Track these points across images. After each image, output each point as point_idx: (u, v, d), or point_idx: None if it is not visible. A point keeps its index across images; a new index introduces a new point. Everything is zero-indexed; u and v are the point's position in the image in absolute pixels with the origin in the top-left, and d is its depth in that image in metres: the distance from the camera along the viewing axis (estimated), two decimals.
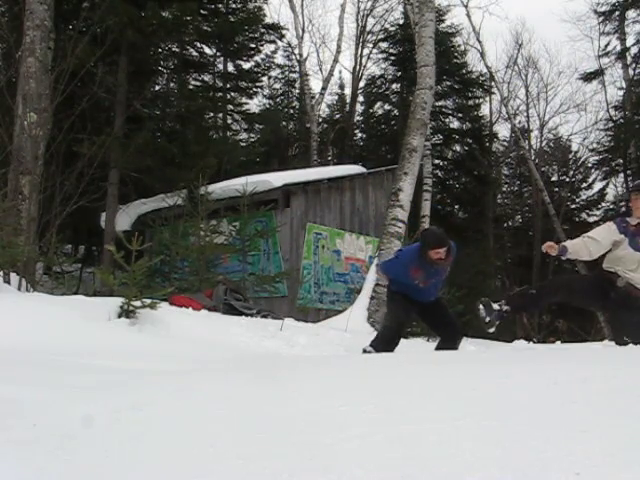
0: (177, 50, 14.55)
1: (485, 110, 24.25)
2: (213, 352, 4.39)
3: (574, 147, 26.48)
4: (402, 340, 7.03)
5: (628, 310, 4.37)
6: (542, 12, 36.72)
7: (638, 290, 4.31)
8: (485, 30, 55.11)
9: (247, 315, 7.33)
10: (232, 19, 15.58)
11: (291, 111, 25.05)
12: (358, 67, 24.34)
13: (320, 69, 26.53)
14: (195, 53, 15.38)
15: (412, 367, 2.78)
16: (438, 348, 4.75)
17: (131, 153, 11.03)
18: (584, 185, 24.92)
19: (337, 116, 26.20)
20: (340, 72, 27.96)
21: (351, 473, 1.30)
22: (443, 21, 21.22)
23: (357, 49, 24.61)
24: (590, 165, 24.18)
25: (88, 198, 8.24)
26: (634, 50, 20.66)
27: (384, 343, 4.59)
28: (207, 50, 15.84)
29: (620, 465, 1.22)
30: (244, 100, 18.73)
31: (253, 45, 17.42)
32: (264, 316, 7.59)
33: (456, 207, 23.39)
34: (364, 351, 4.54)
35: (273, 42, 19.55)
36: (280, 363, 3.67)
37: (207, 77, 16.72)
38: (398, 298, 4.76)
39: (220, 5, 15.59)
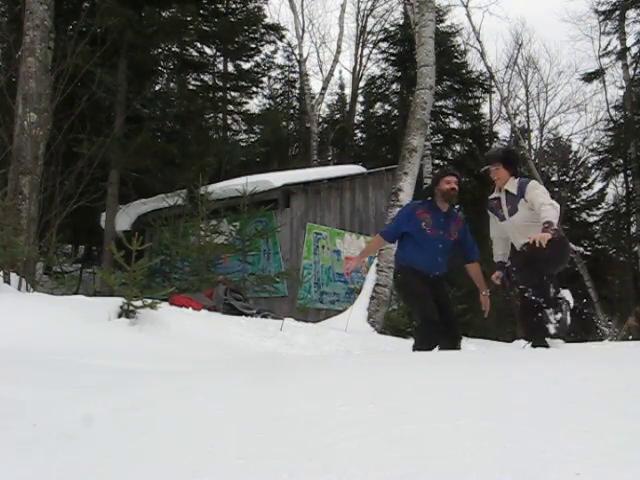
0: (177, 50, 14.55)
1: (485, 110, 24.29)
2: (213, 352, 4.38)
3: (574, 147, 26.46)
4: (402, 340, 7.03)
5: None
6: (542, 12, 36.74)
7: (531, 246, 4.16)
8: (485, 30, 55.26)
9: (247, 315, 7.33)
10: (232, 19, 15.56)
11: (291, 111, 25.05)
12: (358, 67, 24.38)
13: (320, 69, 26.56)
14: (195, 53, 15.39)
15: (412, 367, 2.78)
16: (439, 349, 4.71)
17: (131, 153, 11.03)
18: (584, 185, 24.91)
19: (337, 116, 26.21)
20: (340, 72, 28.05)
21: (351, 473, 1.30)
22: (443, 21, 21.25)
23: (357, 49, 24.65)
24: (590, 165, 24.13)
25: (88, 198, 8.24)
26: (634, 50, 20.64)
27: (427, 339, 4.39)
28: (207, 50, 15.85)
29: (620, 465, 1.22)
30: (244, 100, 18.74)
31: (253, 45, 17.42)
32: (264, 316, 7.58)
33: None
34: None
35: (273, 42, 19.56)
36: (280, 363, 3.67)
37: (207, 77, 16.72)
38: (410, 281, 4.52)
39: (220, 5, 15.58)
